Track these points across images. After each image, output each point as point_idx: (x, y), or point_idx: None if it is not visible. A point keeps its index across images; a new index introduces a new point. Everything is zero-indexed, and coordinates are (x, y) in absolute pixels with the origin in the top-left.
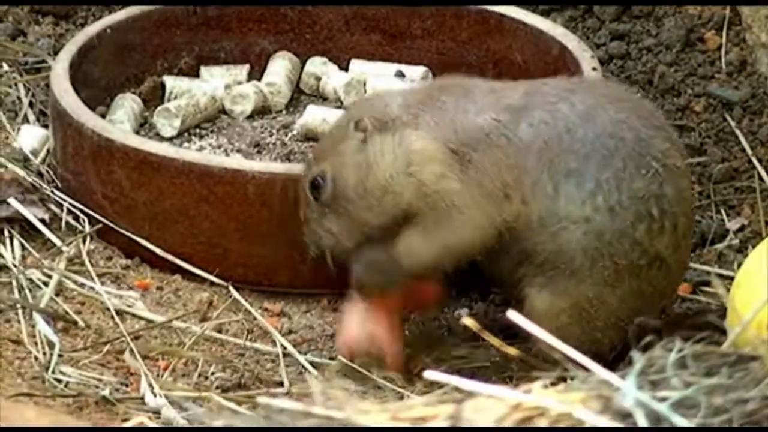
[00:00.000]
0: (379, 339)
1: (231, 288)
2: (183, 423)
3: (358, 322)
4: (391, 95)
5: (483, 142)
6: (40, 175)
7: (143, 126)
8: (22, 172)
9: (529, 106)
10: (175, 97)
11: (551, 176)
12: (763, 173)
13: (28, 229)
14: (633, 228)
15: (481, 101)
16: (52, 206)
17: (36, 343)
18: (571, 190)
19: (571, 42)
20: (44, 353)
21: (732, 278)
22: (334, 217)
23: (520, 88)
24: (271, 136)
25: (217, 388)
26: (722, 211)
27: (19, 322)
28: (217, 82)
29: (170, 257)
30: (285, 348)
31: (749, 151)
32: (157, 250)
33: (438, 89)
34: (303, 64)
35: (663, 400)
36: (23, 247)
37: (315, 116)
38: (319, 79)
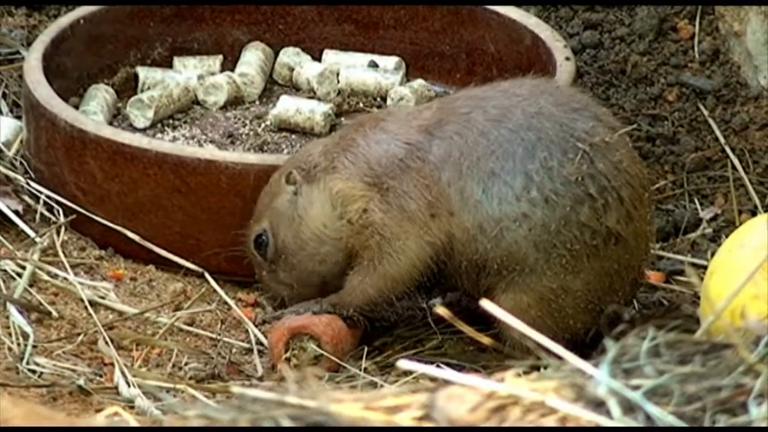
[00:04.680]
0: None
1: (207, 275)
2: (157, 413)
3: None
4: (315, 143)
5: (398, 167)
6: (13, 166)
7: (116, 117)
8: None
9: (442, 121)
10: (148, 88)
11: (477, 182)
12: (736, 162)
13: (1, 221)
14: (575, 212)
15: (393, 129)
16: (26, 198)
17: (10, 334)
18: (502, 190)
19: (544, 32)
20: (18, 344)
21: (705, 267)
22: (285, 270)
23: (433, 106)
24: (244, 126)
25: (190, 378)
26: (695, 201)
27: None
28: (190, 73)
29: (147, 244)
30: (258, 339)
31: (722, 141)
32: (135, 237)
33: (352, 128)
34: (276, 54)
35: (636, 388)
36: None
37: (288, 107)
38: (292, 69)
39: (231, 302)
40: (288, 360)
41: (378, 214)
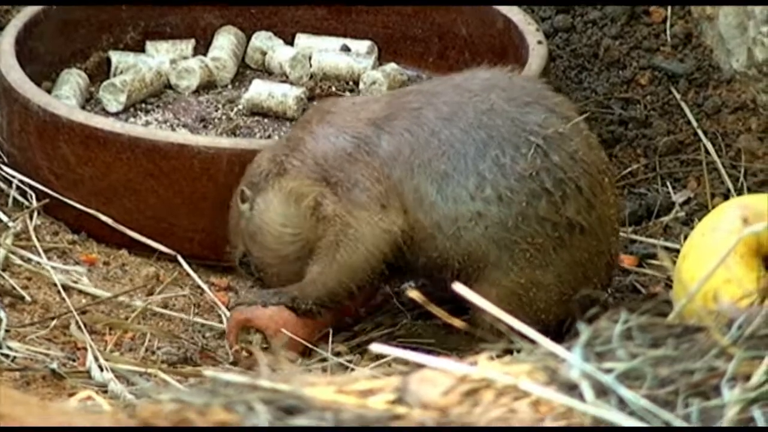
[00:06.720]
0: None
1: (180, 258)
2: (130, 397)
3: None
4: (264, 152)
5: (346, 161)
6: None
7: (89, 101)
8: None
9: (391, 116)
10: (121, 72)
11: (431, 182)
12: (708, 146)
13: None
14: (532, 206)
15: (340, 122)
16: None
17: None
18: (455, 190)
19: (516, 15)
20: None
21: (678, 251)
22: (275, 278)
23: (383, 99)
24: (216, 110)
25: (163, 362)
26: (668, 184)
27: None
28: (163, 57)
29: (120, 228)
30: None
31: (695, 124)
32: (108, 221)
33: (299, 127)
34: (248, 38)
35: (609, 371)
36: None
37: (260, 91)
38: (264, 53)
39: (204, 286)
40: (238, 351)
41: (330, 207)
